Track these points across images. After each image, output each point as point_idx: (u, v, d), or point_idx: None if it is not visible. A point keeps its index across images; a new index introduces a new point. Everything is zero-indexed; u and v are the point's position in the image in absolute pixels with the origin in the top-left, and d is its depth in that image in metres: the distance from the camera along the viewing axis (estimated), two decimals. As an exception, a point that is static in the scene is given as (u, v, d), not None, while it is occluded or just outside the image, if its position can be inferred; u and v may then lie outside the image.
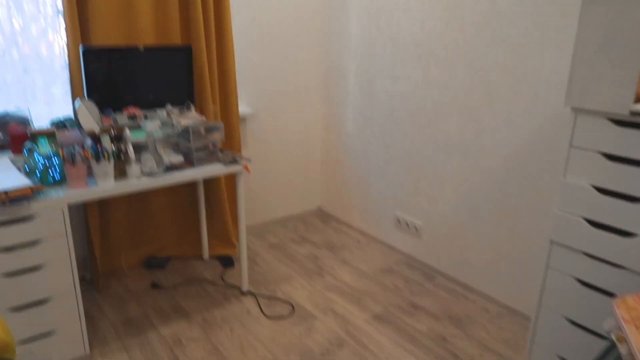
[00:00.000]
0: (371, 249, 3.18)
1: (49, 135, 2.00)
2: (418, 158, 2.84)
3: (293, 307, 2.51)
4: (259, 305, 2.53)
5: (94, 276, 2.62)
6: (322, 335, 2.29)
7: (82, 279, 2.70)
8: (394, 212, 3.10)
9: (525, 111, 2.24)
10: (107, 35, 2.42)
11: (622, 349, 1.05)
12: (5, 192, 1.70)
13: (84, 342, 2.06)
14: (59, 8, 2.38)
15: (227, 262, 2.94)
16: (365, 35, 3.04)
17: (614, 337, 1.07)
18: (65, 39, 2.29)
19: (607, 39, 1.31)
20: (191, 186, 2.93)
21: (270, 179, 3.41)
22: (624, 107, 1.29)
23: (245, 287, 2.62)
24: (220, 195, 2.91)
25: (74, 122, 2.16)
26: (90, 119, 2.12)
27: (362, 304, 2.54)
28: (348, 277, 2.82)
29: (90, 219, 2.49)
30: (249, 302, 2.56)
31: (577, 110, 1.42)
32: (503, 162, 2.38)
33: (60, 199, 1.84)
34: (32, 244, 1.82)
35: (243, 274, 2.60)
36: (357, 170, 3.33)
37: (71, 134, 2.01)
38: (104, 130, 2.11)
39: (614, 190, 1.39)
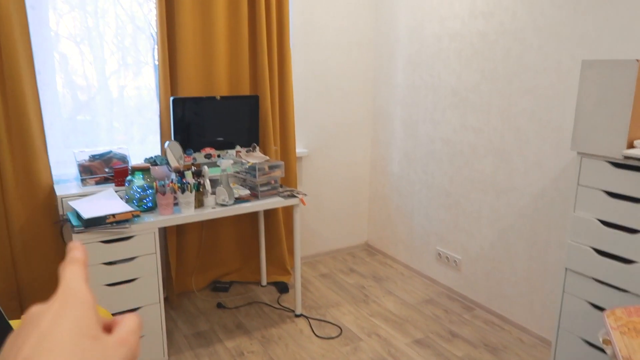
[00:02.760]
0: (414, 281, 3.42)
1: (144, 170, 2.44)
2: (457, 196, 3.11)
3: (341, 330, 2.79)
4: (311, 326, 2.82)
5: (169, 294, 3.01)
6: (366, 354, 2.55)
7: (158, 297, 3.11)
8: (435, 247, 3.34)
9: (552, 154, 2.49)
10: (190, 87, 2.89)
11: (607, 350, 1.29)
12: (113, 215, 2.13)
13: (164, 348, 2.42)
14: (155, 63, 2.89)
15: (283, 288, 3.26)
16: (409, 84, 3.40)
17: (600, 340, 1.30)
18: (157, 90, 2.79)
19: (602, 96, 1.59)
20: (253, 219, 3.31)
21: (322, 214, 3.76)
22: (618, 152, 1.55)
23: (299, 310, 2.93)
24: (278, 228, 3.27)
25: (163, 160, 2.61)
26: (176, 157, 2.56)
27: (404, 330, 2.78)
28: (392, 305, 3.07)
29: (169, 244, 2.91)
30: (302, 323, 2.85)
31: (582, 154, 1.68)
32: (533, 200, 2.62)
33: (153, 222, 2.25)
34: (130, 260, 2.23)
35: (297, 299, 2.91)
36: (402, 208, 3.62)
37: (161, 170, 2.44)
38: (187, 167, 2.54)
39: (615, 223, 1.62)
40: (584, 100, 1.64)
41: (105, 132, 2.79)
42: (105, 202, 2.27)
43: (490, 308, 2.96)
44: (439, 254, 3.30)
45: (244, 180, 2.76)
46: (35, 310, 0.31)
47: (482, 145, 2.88)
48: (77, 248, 0.36)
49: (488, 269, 2.95)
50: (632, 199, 1.58)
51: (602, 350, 1.73)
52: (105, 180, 2.60)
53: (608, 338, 1.32)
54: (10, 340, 0.30)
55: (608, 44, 2.17)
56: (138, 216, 2.24)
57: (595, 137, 1.63)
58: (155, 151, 2.95)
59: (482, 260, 2.99)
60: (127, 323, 0.33)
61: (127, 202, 2.36)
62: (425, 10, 3.19)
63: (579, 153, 1.69)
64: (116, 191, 2.47)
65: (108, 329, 0.33)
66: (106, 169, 2.61)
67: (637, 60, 1.53)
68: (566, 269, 1.80)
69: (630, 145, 1.56)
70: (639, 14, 2.02)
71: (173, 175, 2.48)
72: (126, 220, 2.17)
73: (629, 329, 1.19)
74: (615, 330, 1.24)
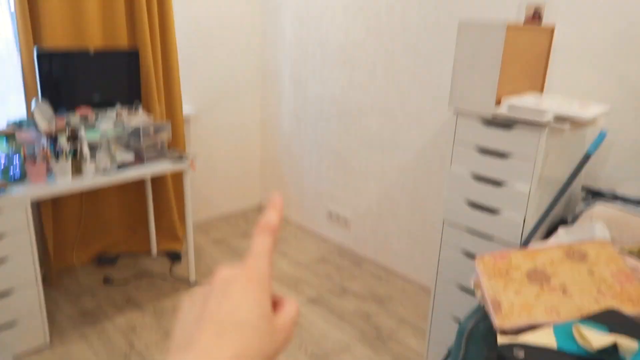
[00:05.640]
0: (307, 241, 3.51)
1: (8, 135, 2.18)
2: (345, 155, 3.21)
3: (236, 292, 2.78)
4: (205, 291, 2.78)
5: (47, 272, 2.77)
6: (262, 314, 2.58)
7: (34, 274, 2.85)
8: (326, 206, 3.44)
9: (431, 112, 2.65)
10: (57, 38, 2.59)
11: (477, 293, 1.43)
12: (-29, 188, 1.88)
13: (44, 331, 2.23)
14: (11, 10, 2.54)
15: (175, 256, 3.16)
16: (297, 41, 3.38)
17: (472, 284, 1.44)
18: (17, 41, 2.47)
19: (474, 58, 1.71)
20: (139, 184, 3.14)
21: (213, 177, 3.67)
22: (488, 110, 1.69)
23: (193, 277, 2.87)
24: (166, 193, 3.14)
25: (30, 123, 2.34)
26: (46, 119, 2.31)
27: (299, 289, 2.86)
28: (286, 266, 3.13)
29: (44, 217, 2.66)
30: (196, 289, 2.80)
31: (457, 112, 1.81)
32: (414, 156, 2.78)
33: (23, 195, 2.04)
34: (-5, 235, 2.01)
35: (190, 266, 2.84)
36: (293, 168, 3.66)
37: (30, 134, 2.20)
38: (61, 129, 2.31)
39: (484, 176, 1.79)
40: (459, 60, 1.75)
41: (-45, 92, 2.43)
42: (-39, 173, 2.00)
43: (378, 262, 3.14)
44: (330, 213, 3.41)
45: (128, 144, 2.58)
46: (225, 275, 0.35)
47: (369, 103, 2.98)
48: (276, 209, 0.38)
49: (375, 224, 3.11)
50: (499, 154, 1.74)
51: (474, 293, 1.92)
52: (-41, 148, 2.28)
53: (478, 282, 1.46)
54: (199, 296, 0.35)
55: (478, 4, 2.31)
56: (4, 189, 2.00)
57: (470, 96, 1.75)
58: (20, 113, 2.64)
59: (369, 216, 3.14)
60: (290, 311, 0.35)
61: (-12, 172, 2.10)
62: (313, -31, 3.15)
63: (454, 111, 1.82)
64: (-26, 160, 2.19)
65: (273, 305, 0.36)
66: (-41, 136, 2.29)
67: (505, 24, 1.66)
68: (443, 220, 1.95)
69: (499, 103, 1.71)
70: (507, -18, 2.18)
71: (44, 140, 2.25)
72: (-12, 193, 1.94)
73: (495, 273, 1.32)
74: (483, 274, 1.38)
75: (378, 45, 2.85)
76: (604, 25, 1.92)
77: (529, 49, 1.83)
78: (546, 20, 2.05)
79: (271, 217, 0.38)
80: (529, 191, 1.68)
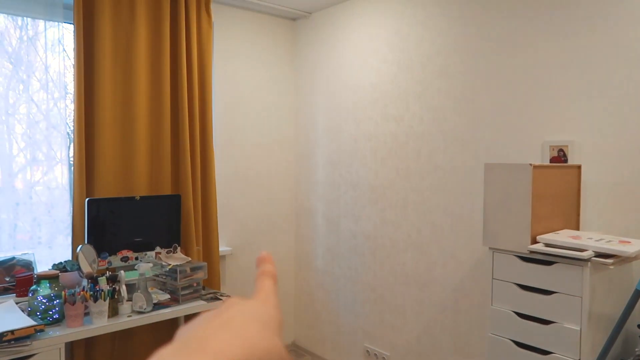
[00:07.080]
0: (343, 381, 3.30)
1: (51, 278, 2.25)
2: (381, 291, 3.14)
3: None
4: None
5: (72, 417, 2.66)
6: None
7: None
8: (363, 344, 3.29)
9: (466, 247, 2.63)
10: (107, 189, 2.79)
11: None
12: (12, 331, 1.91)
13: None
14: (70, 162, 2.77)
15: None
16: (330, 181, 3.52)
17: None
18: (71, 189, 2.66)
19: (504, 197, 1.74)
20: (173, 323, 3.10)
21: (247, 315, 3.60)
22: (524, 246, 1.68)
23: None
24: (199, 332, 3.07)
25: (74, 265, 2.43)
26: (89, 262, 2.40)
27: None
28: (322, 410, 2.92)
29: (75, 357, 2.62)
30: None
31: (493, 250, 1.80)
32: (452, 292, 2.71)
33: (59, 337, 2.04)
34: (28, 381, 1.98)
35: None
36: (328, 304, 3.58)
37: (72, 276, 2.27)
38: (101, 272, 2.38)
39: (528, 314, 1.71)
40: (490, 200, 1.78)
41: (7, 235, 2.57)
42: (3, 316, 2.04)
43: (421, 406, 2.90)
44: (367, 351, 3.25)
45: (164, 283, 2.62)
46: (232, 307, 0.35)
47: (402, 239, 2.99)
48: (271, 262, 0.40)
49: (416, 364, 2.93)
50: (542, 290, 1.69)
51: None
52: (4, 291, 2.35)
53: None
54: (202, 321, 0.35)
55: (503, 146, 2.42)
56: (42, 330, 2.02)
57: (504, 234, 1.76)
58: (65, 254, 2.75)
59: (410, 355, 2.97)
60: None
61: (29, 314, 2.14)
62: (342, 114, 3.40)
63: (490, 248, 1.81)
64: (17, 303, 2.24)
65: None
66: (7, 278, 2.38)
67: (531, 164, 1.72)
68: (490, 363, 1.84)
69: (534, 241, 1.70)
70: (525, 122, 2.30)
71: (85, 282, 2.31)
72: (27, 337, 1.95)
73: None
74: None
75: (408, 185, 2.95)
76: (629, 160, 1.96)
77: (558, 187, 1.87)
78: (571, 159, 2.11)
79: (268, 267, 0.40)
80: (580, 330, 1.59)
